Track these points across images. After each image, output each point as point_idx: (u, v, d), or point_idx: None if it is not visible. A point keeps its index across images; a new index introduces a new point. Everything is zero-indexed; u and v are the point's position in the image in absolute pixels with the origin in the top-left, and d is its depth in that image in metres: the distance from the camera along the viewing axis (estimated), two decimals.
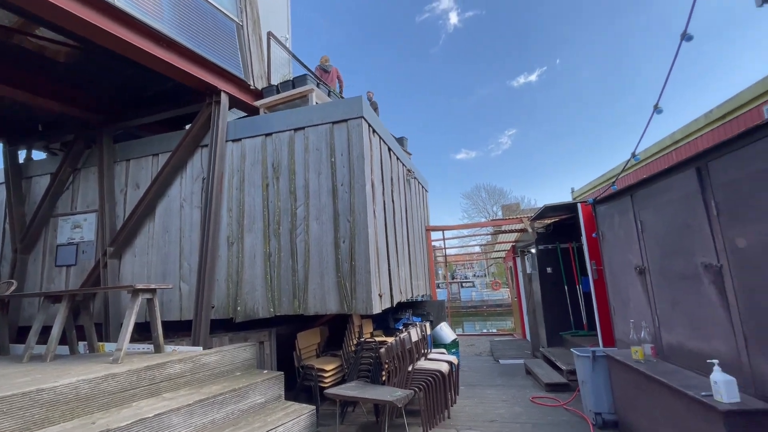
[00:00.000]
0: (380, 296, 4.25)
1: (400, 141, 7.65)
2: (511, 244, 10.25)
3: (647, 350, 3.45)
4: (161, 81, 4.66)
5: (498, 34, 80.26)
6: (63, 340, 3.82)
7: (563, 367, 5.40)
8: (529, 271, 8.13)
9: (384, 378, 4.23)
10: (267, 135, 4.67)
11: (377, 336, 5.42)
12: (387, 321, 6.31)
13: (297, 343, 4.67)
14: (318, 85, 5.33)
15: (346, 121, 4.39)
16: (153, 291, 3.77)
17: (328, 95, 5.62)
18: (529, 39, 78.42)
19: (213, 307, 4.34)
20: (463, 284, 35.99)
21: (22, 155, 6.03)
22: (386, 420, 3.87)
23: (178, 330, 4.56)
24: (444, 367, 4.38)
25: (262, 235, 4.45)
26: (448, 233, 10.84)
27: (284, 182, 4.50)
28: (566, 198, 10.80)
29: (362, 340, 4.84)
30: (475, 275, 40.71)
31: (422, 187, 8.25)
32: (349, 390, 3.85)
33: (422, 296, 7.07)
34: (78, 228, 5.26)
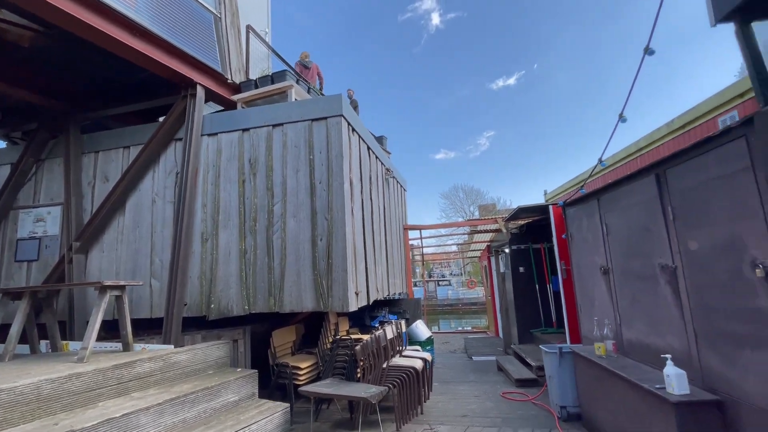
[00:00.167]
0: (357, 294, 4.29)
1: (380, 140, 7.69)
2: (486, 243, 10.50)
3: (609, 346, 3.63)
4: (134, 71, 4.51)
5: (479, 37, 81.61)
6: (24, 339, 3.66)
7: (533, 364, 5.60)
8: (502, 270, 8.36)
9: (359, 375, 4.28)
10: (244, 130, 4.61)
11: (353, 334, 5.45)
12: (363, 319, 6.35)
13: (272, 341, 4.64)
14: (298, 82, 5.29)
15: (325, 118, 4.39)
16: (122, 288, 3.66)
17: (308, 92, 5.59)
18: (508, 43, 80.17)
19: (185, 305, 4.26)
20: (440, 283, 36.44)
21: None
22: (360, 416, 3.92)
23: (148, 328, 4.44)
24: (418, 364, 4.46)
25: (237, 232, 4.39)
26: (425, 232, 10.98)
27: (261, 179, 4.45)
28: (540, 200, 11.16)
29: (338, 337, 4.87)
30: (452, 274, 41.33)
31: (401, 186, 8.33)
32: (324, 387, 3.87)
33: (399, 294, 7.15)
34: (41, 221, 5.02)
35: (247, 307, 4.19)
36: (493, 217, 10.96)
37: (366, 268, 4.84)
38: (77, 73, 4.80)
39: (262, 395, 3.84)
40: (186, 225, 4.29)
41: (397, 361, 4.67)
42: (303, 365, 4.48)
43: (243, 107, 5.12)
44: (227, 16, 5.22)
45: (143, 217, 4.69)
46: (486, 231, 9.23)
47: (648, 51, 2.83)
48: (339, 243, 4.09)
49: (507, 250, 7.60)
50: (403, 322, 5.83)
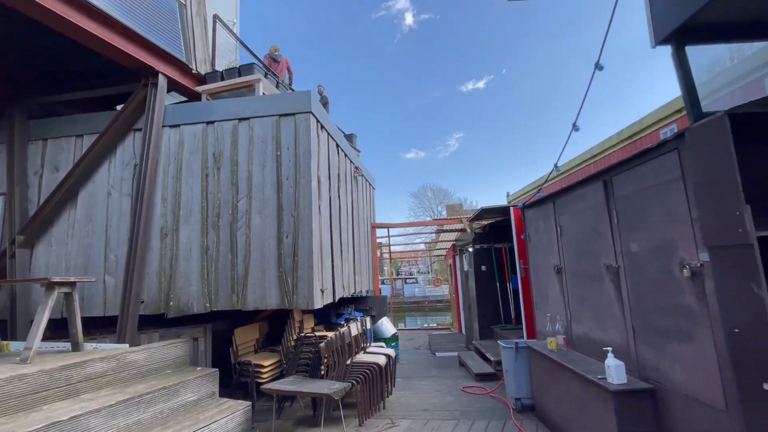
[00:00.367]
0: (322, 291, 4.30)
1: (350, 138, 7.71)
2: (451, 242, 10.78)
3: (560, 341, 3.88)
4: (91, 55, 4.26)
5: (451, 40, 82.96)
6: None
7: (492, 358, 5.85)
8: (466, 268, 8.63)
9: (323, 372, 4.30)
10: (209, 123, 4.49)
11: (318, 331, 5.45)
12: (329, 316, 6.36)
13: (234, 339, 4.57)
14: (266, 75, 5.21)
15: (293, 114, 4.36)
16: (72, 284, 3.48)
17: (277, 86, 5.51)
18: (479, 47, 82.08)
19: (142, 302, 4.10)
20: (407, 280, 36.93)
21: None
22: (323, 413, 3.94)
23: (101, 326, 4.24)
24: (381, 360, 4.55)
25: (199, 228, 4.28)
26: (394, 230, 11.12)
27: (226, 173, 4.36)
28: (503, 201, 11.59)
29: (302, 335, 4.86)
30: (419, 272, 41.98)
31: (369, 184, 8.38)
32: (287, 384, 3.86)
33: (366, 292, 7.21)
34: None
35: (208, 305, 4.10)
36: (459, 217, 11.27)
37: (332, 266, 4.86)
38: (23, 54, 4.47)
39: (223, 394, 3.78)
40: (144, 219, 4.13)
41: (361, 357, 4.73)
42: (266, 363, 4.44)
43: (208, 99, 4.98)
44: (193, 4, 5.05)
45: (97, 211, 4.45)
46: (452, 230, 9.49)
47: (598, 66, 3.06)
48: (305, 240, 4.08)
49: (471, 249, 7.85)
50: (368, 319, 5.90)
